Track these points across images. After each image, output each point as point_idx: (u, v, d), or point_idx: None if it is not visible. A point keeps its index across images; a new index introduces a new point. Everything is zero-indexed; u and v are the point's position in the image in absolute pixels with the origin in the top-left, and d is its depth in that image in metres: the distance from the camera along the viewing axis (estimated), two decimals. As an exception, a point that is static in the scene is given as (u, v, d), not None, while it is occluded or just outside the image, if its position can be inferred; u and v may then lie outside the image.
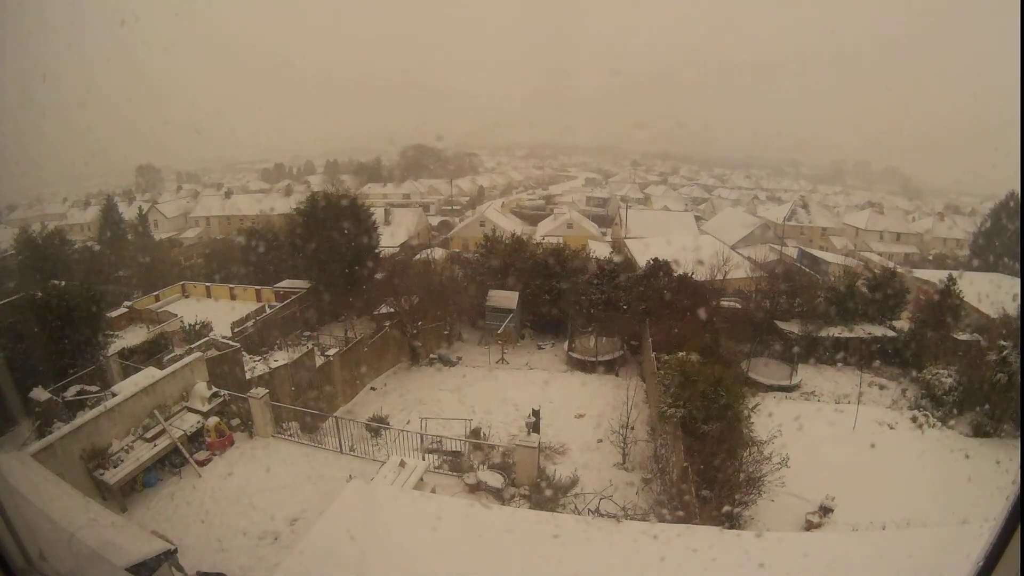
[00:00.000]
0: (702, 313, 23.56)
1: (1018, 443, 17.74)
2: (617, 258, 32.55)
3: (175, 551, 7.83)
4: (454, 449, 14.75)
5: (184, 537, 10.33)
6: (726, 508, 12.10)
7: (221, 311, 28.30)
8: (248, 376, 18.50)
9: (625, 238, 46.90)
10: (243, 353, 20.20)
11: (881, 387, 22.54)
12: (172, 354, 19.83)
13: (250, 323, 25.91)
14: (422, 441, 14.54)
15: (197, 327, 24.33)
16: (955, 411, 19.43)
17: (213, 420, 13.39)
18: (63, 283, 20.41)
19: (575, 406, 19.45)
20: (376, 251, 31.75)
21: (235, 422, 14.20)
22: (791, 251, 45.99)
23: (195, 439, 13.16)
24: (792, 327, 25.45)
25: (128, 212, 53.89)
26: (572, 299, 26.69)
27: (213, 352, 17.90)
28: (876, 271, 28.61)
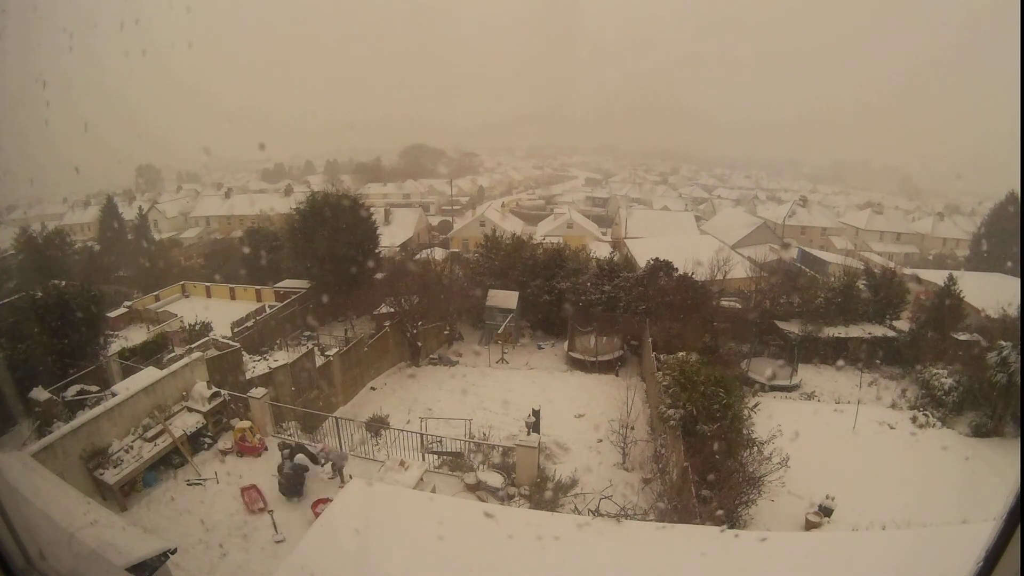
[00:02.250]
0: (702, 313, 23.57)
1: (1018, 443, 17.75)
2: (617, 258, 32.55)
3: (175, 551, 7.83)
4: (454, 449, 14.76)
5: (184, 537, 10.34)
6: (726, 508, 12.09)
7: (221, 311, 28.29)
8: (248, 376, 18.51)
9: (625, 238, 46.92)
10: (243, 353, 20.20)
11: (881, 387, 22.55)
12: (172, 354, 19.85)
13: (250, 323, 25.92)
14: (422, 441, 14.53)
15: (197, 327, 24.34)
16: (955, 411, 19.43)
17: (246, 423, 13.41)
18: (63, 283, 20.43)
19: (575, 406, 19.44)
20: (376, 251, 31.79)
21: (235, 422, 14.19)
22: (791, 251, 46.00)
23: (196, 439, 13.17)
24: (792, 327, 25.45)
25: (128, 212, 53.78)
26: (572, 299, 26.69)
27: (213, 352, 17.91)
28: (876, 271, 28.62)
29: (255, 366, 20.38)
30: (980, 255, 43.32)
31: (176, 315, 27.94)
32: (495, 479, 13.09)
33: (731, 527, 11.46)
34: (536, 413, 15.76)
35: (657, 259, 27.50)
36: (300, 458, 12.02)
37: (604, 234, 55.41)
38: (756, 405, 15.94)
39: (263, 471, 12.84)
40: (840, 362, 24.47)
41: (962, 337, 23.17)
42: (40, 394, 14.98)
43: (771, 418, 16.25)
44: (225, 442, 13.35)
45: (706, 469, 12.69)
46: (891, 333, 25.16)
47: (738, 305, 27.91)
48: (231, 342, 20.53)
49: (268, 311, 28.13)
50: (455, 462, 14.23)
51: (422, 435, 14.59)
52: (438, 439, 14.90)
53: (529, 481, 13.38)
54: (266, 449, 13.56)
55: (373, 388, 22.17)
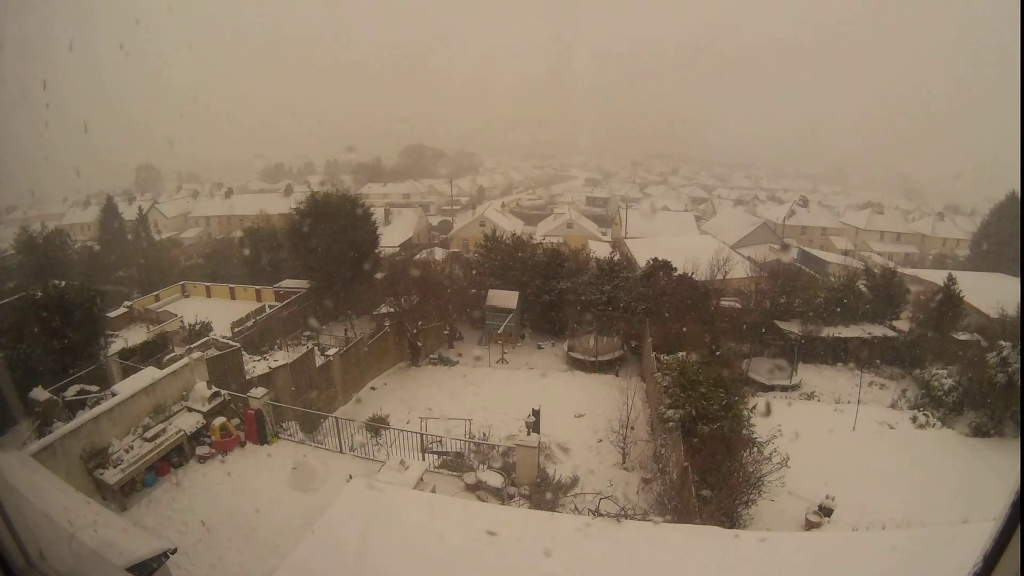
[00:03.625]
0: (702, 313, 23.56)
1: (1018, 443, 17.75)
2: (617, 258, 32.54)
3: (175, 551, 7.82)
4: (454, 449, 14.76)
5: (184, 537, 10.34)
6: (726, 508, 12.10)
7: (221, 311, 28.30)
8: (248, 376, 18.50)
9: (625, 238, 46.91)
10: (243, 353, 20.20)
11: (881, 387, 22.55)
12: (172, 354, 19.83)
13: (250, 323, 25.92)
14: (422, 441, 14.53)
15: (197, 327, 24.33)
16: (955, 411, 19.43)
17: (219, 420, 13.37)
18: (63, 283, 20.41)
19: (575, 406, 19.45)
20: (376, 251, 31.78)
21: (235, 422, 14.19)
22: (791, 251, 45.98)
23: (196, 439, 13.16)
24: (792, 327, 25.45)
25: (128, 212, 53.79)
26: (572, 299, 26.69)
27: (213, 352, 17.90)
28: (876, 271, 28.63)
29: (255, 366, 20.38)
30: (980, 255, 43.32)
31: (176, 315, 27.94)
32: (495, 479, 13.09)
33: (731, 527, 11.49)
34: (536, 413, 15.74)
35: (657, 259, 27.49)
36: None
37: (604, 234, 55.41)
38: (754, 407, 15.92)
39: (264, 467, 12.87)
40: (840, 361, 24.49)
41: (962, 337, 23.17)
42: (40, 394, 14.98)
43: (771, 418, 16.28)
44: (202, 449, 13.19)
45: (706, 469, 12.70)
46: (891, 333, 25.16)
47: (738, 305, 27.90)
48: (231, 342, 20.51)
49: (268, 311, 28.13)
50: (455, 462, 14.23)
51: (422, 435, 14.59)
52: (438, 439, 14.90)
53: (529, 481, 13.39)
54: (241, 444, 13.57)
55: (373, 388, 22.18)
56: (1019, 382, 17.67)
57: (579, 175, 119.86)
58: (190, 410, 13.52)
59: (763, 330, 25.51)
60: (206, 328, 24.30)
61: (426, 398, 20.48)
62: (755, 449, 14.20)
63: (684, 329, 21.67)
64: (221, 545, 10.32)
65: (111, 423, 11.97)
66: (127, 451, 11.77)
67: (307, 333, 27.34)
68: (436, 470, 13.64)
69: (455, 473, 13.63)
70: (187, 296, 34.11)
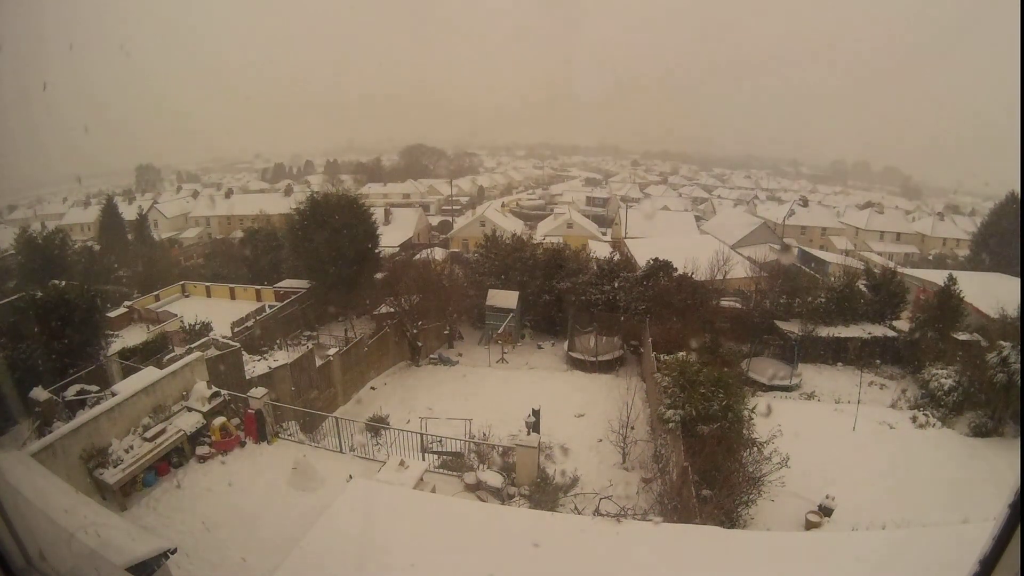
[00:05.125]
0: (702, 313, 23.56)
1: (1018, 443, 17.74)
2: (617, 258, 32.53)
3: (175, 551, 7.82)
4: (454, 449, 14.76)
5: (184, 537, 10.34)
6: (726, 508, 12.09)
7: (221, 311, 28.30)
8: (248, 376, 18.50)
9: (625, 238, 46.92)
10: (243, 353, 20.20)
11: (881, 387, 22.54)
12: (172, 354, 19.83)
13: (250, 323, 25.92)
14: (422, 441, 14.54)
15: (197, 327, 24.34)
16: (955, 411, 19.41)
17: (219, 420, 13.37)
18: (63, 283, 20.42)
19: (575, 406, 19.43)
20: (376, 251, 31.82)
21: (235, 422, 14.18)
22: (791, 251, 46.03)
23: (196, 439, 13.16)
24: (792, 327, 25.44)
25: (128, 212, 53.88)
26: (572, 299, 26.70)
27: (213, 352, 17.90)
28: (876, 271, 28.62)
29: (255, 366, 20.38)
30: (980, 255, 43.33)
31: (176, 315, 27.95)
32: (495, 479, 13.09)
33: (731, 527, 11.49)
34: (536, 413, 15.73)
35: (657, 259, 27.49)
36: None
37: (604, 234, 55.45)
38: (755, 407, 15.89)
39: (264, 466, 12.87)
40: (840, 361, 24.48)
41: (962, 337, 23.14)
42: (40, 394, 14.97)
43: (771, 418, 16.27)
44: (202, 449, 13.19)
45: (706, 469, 12.69)
46: (891, 333, 25.16)
47: (738, 305, 27.91)
48: (231, 342, 20.52)
49: (268, 311, 28.13)
50: (455, 462, 14.23)
51: (422, 435, 14.59)
52: (438, 439, 14.90)
53: (529, 481, 13.39)
54: (241, 444, 13.57)
55: (373, 388, 22.18)
56: (1019, 382, 17.66)
57: (579, 175, 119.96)
58: (190, 410, 13.51)
59: (763, 330, 25.51)
60: (206, 328, 24.30)
61: (426, 398, 20.47)
62: (755, 449, 14.18)
63: (684, 329, 21.67)
64: (221, 545, 10.31)
65: (111, 423, 11.96)
66: (127, 451, 11.76)
67: (307, 333, 27.36)
68: (436, 470, 13.64)
69: (455, 473, 13.63)
70: (187, 296, 34.12)
